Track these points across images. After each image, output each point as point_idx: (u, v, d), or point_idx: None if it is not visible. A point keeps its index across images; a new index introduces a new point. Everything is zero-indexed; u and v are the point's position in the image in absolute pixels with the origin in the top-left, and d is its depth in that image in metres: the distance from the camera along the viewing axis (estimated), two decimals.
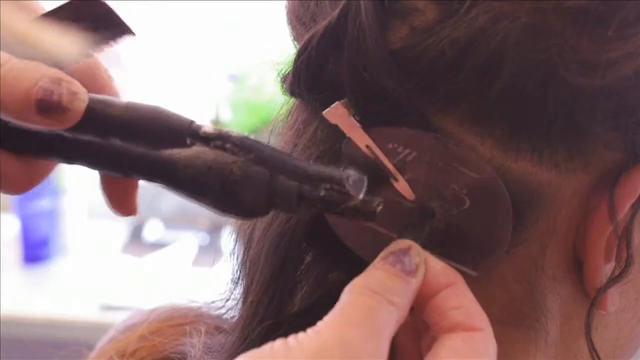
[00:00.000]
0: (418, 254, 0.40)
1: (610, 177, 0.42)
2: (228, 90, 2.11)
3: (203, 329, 0.53)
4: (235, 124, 1.94)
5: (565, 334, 0.46)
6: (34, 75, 0.40)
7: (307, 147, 0.45)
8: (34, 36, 0.41)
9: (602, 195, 0.43)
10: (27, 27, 0.41)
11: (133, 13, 2.28)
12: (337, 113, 0.41)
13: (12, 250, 2.05)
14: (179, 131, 0.40)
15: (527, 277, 0.44)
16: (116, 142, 0.42)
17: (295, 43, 0.45)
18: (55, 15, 0.44)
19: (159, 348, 0.55)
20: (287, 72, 0.44)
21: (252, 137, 0.40)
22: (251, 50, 1.86)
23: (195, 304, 0.59)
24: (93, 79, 0.43)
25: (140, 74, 2.25)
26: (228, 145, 0.40)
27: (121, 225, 2.15)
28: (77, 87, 0.40)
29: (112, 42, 0.44)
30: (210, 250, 2.02)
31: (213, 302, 0.54)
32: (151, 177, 0.44)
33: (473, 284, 0.43)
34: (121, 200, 0.47)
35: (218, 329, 0.54)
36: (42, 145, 0.44)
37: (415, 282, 0.39)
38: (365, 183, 0.39)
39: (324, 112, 0.41)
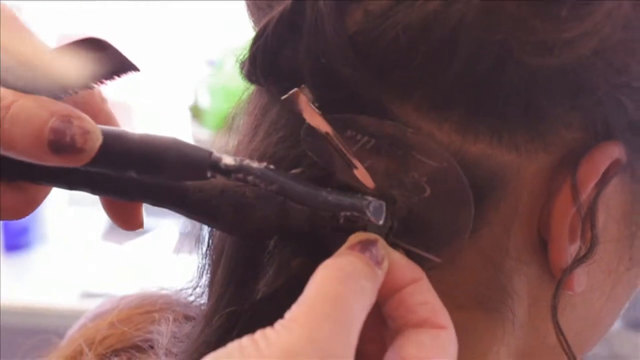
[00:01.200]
0: (383, 246, 0.40)
1: (572, 157, 0.42)
2: (206, 75, 2.10)
3: (171, 317, 0.53)
4: (213, 109, 1.94)
5: (533, 316, 0.46)
6: (43, 114, 0.39)
7: (267, 133, 0.44)
8: (41, 61, 0.40)
9: (564, 175, 0.43)
10: (34, 52, 0.40)
11: None
12: (295, 99, 0.40)
13: None
14: (199, 164, 0.40)
15: (492, 260, 0.44)
16: (132, 175, 0.41)
17: (255, 26, 0.45)
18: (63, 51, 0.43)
19: (127, 336, 0.55)
20: (244, 58, 0.43)
21: (271, 166, 0.40)
22: (229, 35, 1.85)
23: (164, 292, 0.59)
24: (87, 104, 0.42)
25: None
26: (250, 178, 0.40)
27: (102, 212, 2.13)
28: (89, 124, 0.39)
29: (115, 77, 0.43)
30: (191, 237, 2.01)
31: (182, 289, 0.54)
32: (160, 202, 0.43)
33: (437, 269, 0.43)
34: (127, 218, 0.46)
35: (186, 317, 0.54)
36: (41, 172, 0.43)
37: (381, 274, 0.39)
38: (384, 208, 0.40)
39: (282, 98, 0.41)
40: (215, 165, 0.40)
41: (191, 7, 2.22)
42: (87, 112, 0.41)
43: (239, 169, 0.40)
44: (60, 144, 0.38)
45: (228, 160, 0.40)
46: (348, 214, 0.40)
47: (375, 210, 0.40)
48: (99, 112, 0.45)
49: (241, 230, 0.43)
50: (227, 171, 0.40)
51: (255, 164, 0.40)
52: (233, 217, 0.42)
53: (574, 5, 0.38)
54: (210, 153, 0.40)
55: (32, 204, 0.45)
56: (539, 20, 0.38)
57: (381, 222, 0.40)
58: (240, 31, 0.48)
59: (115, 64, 0.43)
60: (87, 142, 0.39)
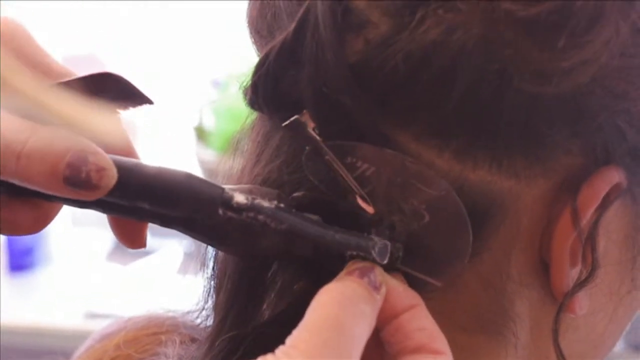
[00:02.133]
0: (381, 273, 0.41)
1: (572, 182, 0.43)
2: (211, 96, 2.11)
3: (178, 340, 0.54)
4: (218, 130, 1.94)
5: (535, 337, 0.46)
6: (59, 150, 0.39)
7: (269, 160, 0.45)
8: (77, 118, 0.39)
9: (565, 200, 0.43)
10: (72, 108, 0.39)
11: (117, 17, 2.28)
12: (297, 126, 0.41)
13: None
14: (211, 201, 0.41)
15: (493, 284, 0.44)
16: (144, 206, 0.42)
17: (258, 53, 0.46)
18: (76, 84, 0.43)
19: (134, 358, 0.55)
20: (247, 85, 0.44)
21: (281, 205, 0.41)
22: (234, 56, 1.86)
23: (171, 314, 0.59)
24: None
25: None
26: (260, 217, 0.41)
27: (106, 233, 2.14)
28: (105, 161, 0.39)
29: (130, 108, 0.44)
30: (195, 259, 2.02)
31: (189, 312, 0.54)
32: (169, 224, 0.44)
33: (438, 293, 0.43)
34: (132, 237, 0.47)
35: (193, 340, 0.54)
36: None
37: (379, 299, 0.40)
38: (389, 249, 0.41)
39: (283, 125, 0.41)
40: (227, 204, 0.41)
41: (197, 27, 2.24)
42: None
43: (250, 208, 0.41)
44: (75, 180, 0.39)
45: (240, 198, 0.41)
46: (354, 253, 0.41)
47: (380, 251, 0.41)
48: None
49: (248, 254, 0.44)
50: (239, 210, 0.41)
51: (266, 203, 0.41)
52: (241, 242, 0.43)
53: (571, 34, 0.38)
54: (223, 190, 0.41)
55: (45, 220, 0.45)
56: (537, 50, 0.39)
57: (385, 262, 0.41)
58: (246, 52, 0.48)
59: (130, 97, 0.43)
60: (102, 179, 0.39)
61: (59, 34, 2.21)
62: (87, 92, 0.42)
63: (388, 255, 0.41)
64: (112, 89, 0.43)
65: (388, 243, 0.41)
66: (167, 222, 0.44)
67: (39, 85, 0.38)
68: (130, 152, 0.44)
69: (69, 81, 0.44)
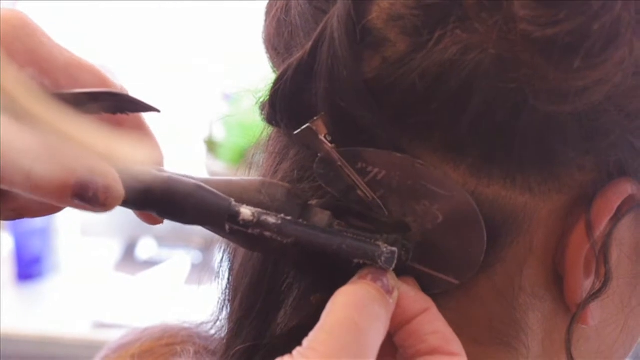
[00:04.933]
0: (393, 278, 0.42)
1: (586, 196, 0.43)
2: (222, 110, 2.12)
3: (192, 350, 0.54)
4: (229, 143, 1.95)
5: (547, 348, 0.47)
6: (66, 172, 0.39)
7: (286, 174, 0.46)
8: (106, 148, 0.39)
9: (579, 213, 0.44)
10: (99, 140, 0.39)
11: (129, 28, 2.29)
12: (308, 133, 0.42)
13: (6, 267, 2.05)
14: (218, 215, 0.42)
15: (506, 296, 0.45)
16: (153, 213, 0.43)
17: (274, 69, 0.46)
18: (80, 97, 0.44)
19: None
20: (264, 101, 0.45)
21: (288, 218, 0.42)
22: (245, 68, 1.87)
23: (186, 324, 0.60)
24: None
25: (134, 91, 2.26)
26: (267, 234, 0.42)
27: (114, 243, 2.16)
28: (111, 179, 0.40)
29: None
30: (203, 269, 2.03)
31: (203, 323, 0.55)
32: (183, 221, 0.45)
33: (451, 304, 0.44)
34: (151, 216, 0.47)
35: (207, 350, 0.54)
36: None
37: (392, 303, 0.41)
38: (396, 255, 0.42)
39: (295, 133, 0.42)
40: (233, 219, 0.42)
41: (208, 39, 2.25)
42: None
43: (256, 225, 0.42)
44: (83, 198, 0.40)
45: (246, 214, 0.42)
46: (361, 262, 0.42)
47: (387, 260, 0.42)
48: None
49: (258, 250, 0.45)
50: (245, 226, 0.42)
51: (272, 219, 0.42)
52: (249, 248, 0.45)
53: (587, 55, 0.39)
54: (230, 203, 0.42)
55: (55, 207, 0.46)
56: (553, 70, 0.39)
57: (392, 268, 0.42)
58: (256, 66, 0.49)
59: (137, 109, 0.45)
60: (108, 198, 0.40)
61: (69, 44, 2.21)
62: (91, 104, 0.44)
63: (395, 261, 0.42)
64: (119, 105, 0.44)
65: (395, 250, 0.42)
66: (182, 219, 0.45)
67: (59, 116, 0.37)
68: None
69: (74, 93, 0.44)
